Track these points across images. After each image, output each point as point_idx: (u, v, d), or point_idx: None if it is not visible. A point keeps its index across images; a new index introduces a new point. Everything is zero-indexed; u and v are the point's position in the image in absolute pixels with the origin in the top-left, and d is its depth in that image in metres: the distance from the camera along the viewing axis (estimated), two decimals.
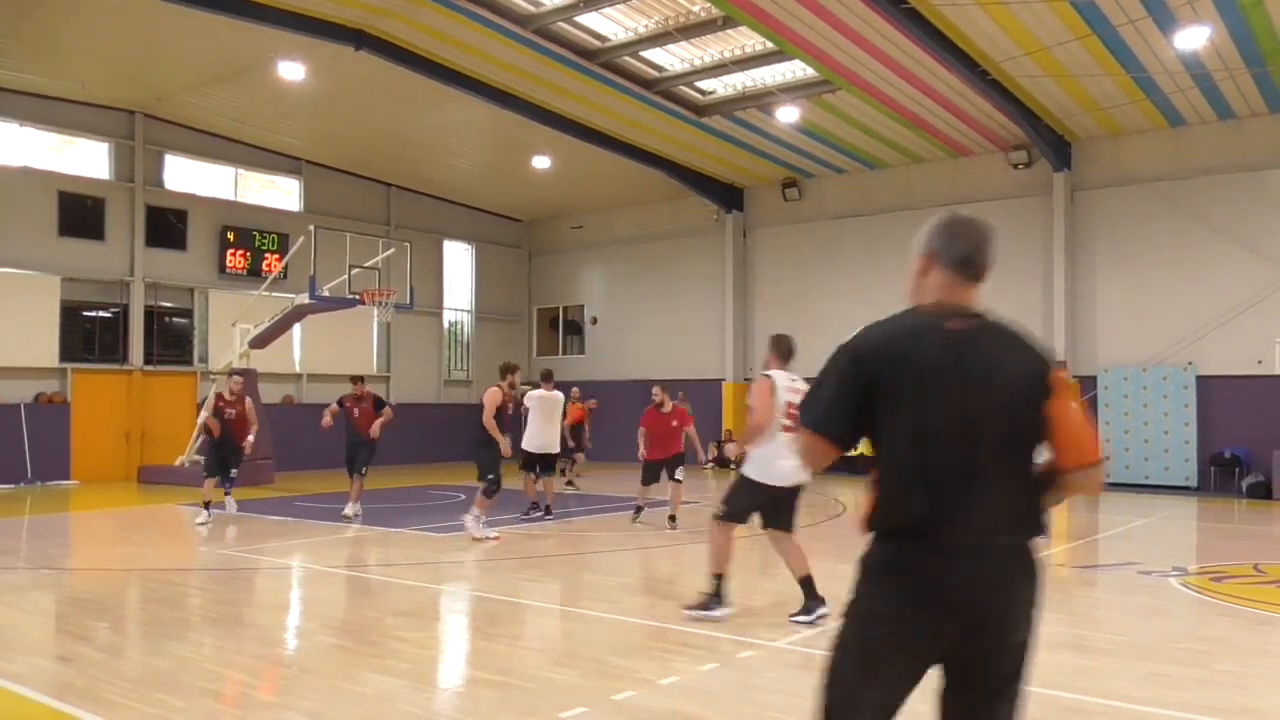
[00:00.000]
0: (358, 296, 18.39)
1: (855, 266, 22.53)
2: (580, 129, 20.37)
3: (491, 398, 11.20)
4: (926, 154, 21.15)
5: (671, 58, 17.77)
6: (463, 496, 15.94)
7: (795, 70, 17.73)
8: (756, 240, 24.41)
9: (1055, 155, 19.48)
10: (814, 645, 6.32)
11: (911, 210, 21.84)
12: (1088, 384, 19.45)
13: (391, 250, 19.58)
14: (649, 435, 12.39)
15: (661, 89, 18.65)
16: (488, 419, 10.95)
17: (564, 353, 28.11)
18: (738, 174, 23.64)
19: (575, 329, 28.00)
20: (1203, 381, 18.16)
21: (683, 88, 18.84)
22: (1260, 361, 17.76)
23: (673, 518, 11.97)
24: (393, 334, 24.54)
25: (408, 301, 19.94)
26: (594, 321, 27.26)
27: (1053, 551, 11.20)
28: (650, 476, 12.34)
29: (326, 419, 13.17)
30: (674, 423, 12.30)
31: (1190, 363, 18.28)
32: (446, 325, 26.85)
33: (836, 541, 11.24)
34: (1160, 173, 18.93)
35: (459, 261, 27.14)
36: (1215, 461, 17.97)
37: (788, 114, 18.95)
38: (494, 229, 27.76)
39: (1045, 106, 18.06)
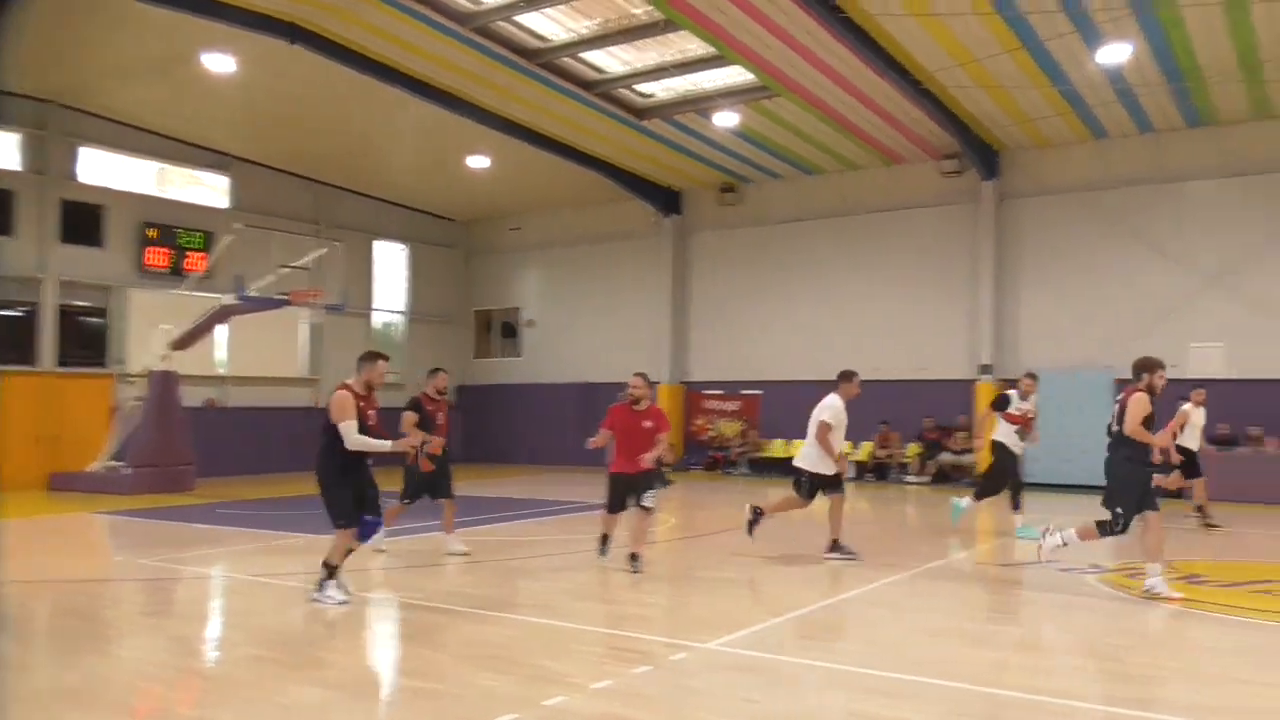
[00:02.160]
0: (286, 297, 18.00)
1: (792, 271, 22.77)
2: (519, 129, 20.23)
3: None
4: (861, 161, 21.48)
5: (612, 60, 17.76)
6: (393, 502, 15.66)
7: (735, 75, 17.85)
8: (695, 244, 24.53)
9: (984, 164, 19.93)
10: (747, 646, 6.35)
11: (847, 216, 22.19)
12: (1011, 388, 19.89)
13: (323, 250, 19.18)
14: (616, 440, 9.36)
15: (601, 91, 18.63)
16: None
17: (500, 356, 27.92)
18: (676, 177, 23.73)
19: (512, 331, 27.82)
20: (1122, 385, 18.66)
21: (623, 90, 18.84)
22: (1175, 365, 18.34)
23: (635, 556, 9.17)
24: (323, 336, 24.07)
25: (339, 302, 19.59)
26: (530, 324, 27.12)
27: (976, 550, 11.45)
28: (617, 501, 9.34)
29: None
30: (647, 424, 9.30)
31: (1109, 366, 18.83)
32: (379, 327, 26.46)
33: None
34: (1084, 183, 19.49)
35: (393, 262, 26.76)
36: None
37: (726, 119, 19.08)
38: (429, 229, 27.44)
39: (975, 116, 18.47)
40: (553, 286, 26.90)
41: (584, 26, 16.44)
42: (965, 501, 12.28)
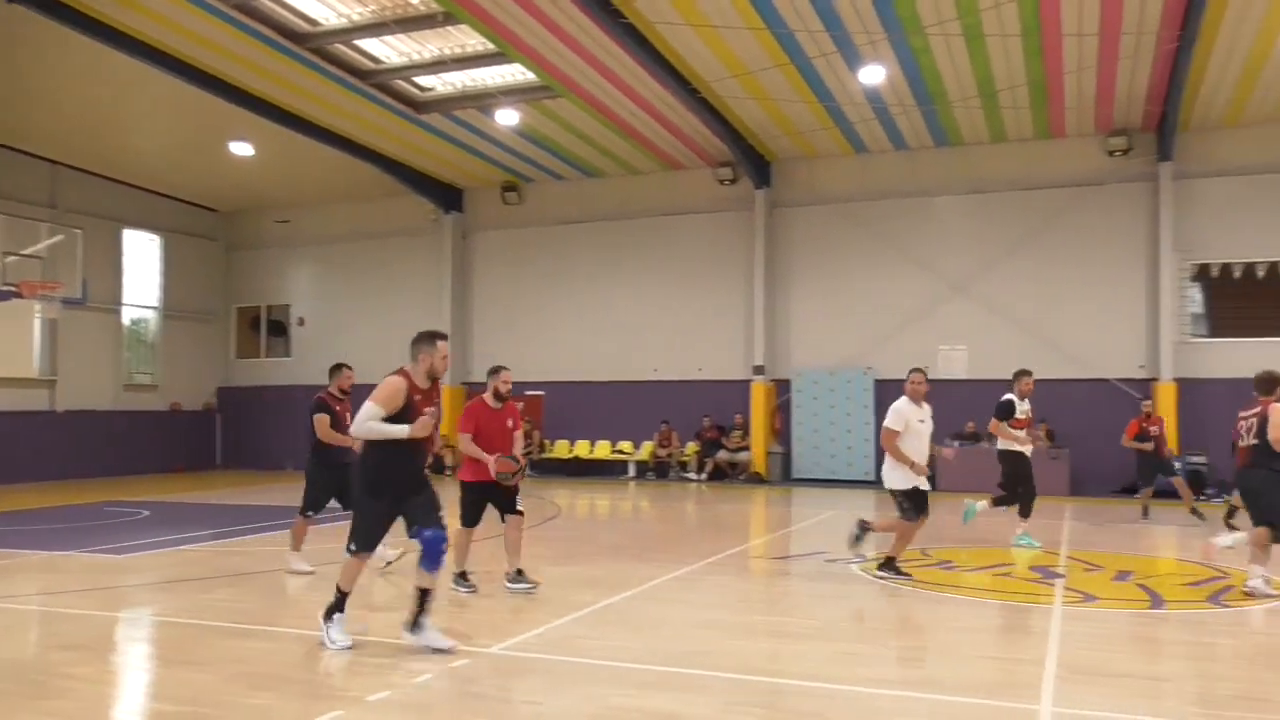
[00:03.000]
0: (14, 289, 16.17)
1: (576, 272, 22.89)
2: (287, 116, 19.12)
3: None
4: (642, 165, 21.89)
5: (388, 50, 17.13)
6: (145, 513, 14.43)
7: (516, 74, 17.69)
8: (477, 243, 24.16)
9: (757, 173, 20.84)
10: (530, 649, 6.25)
11: (628, 220, 22.54)
12: (783, 388, 20.95)
13: (59, 237, 17.36)
14: (477, 442, 8.01)
15: (377, 81, 17.94)
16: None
17: (267, 355, 26.36)
18: (457, 174, 23.27)
19: (280, 330, 26.32)
20: (880, 384, 20.08)
21: (400, 82, 18.23)
22: (926, 366, 19.90)
23: (521, 572, 8.16)
24: (60, 332, 21.73)
25: (79, 296, 17.81)
26: (301, 322, 25.77)
27: (751, 545, 11.89)
28: (474, 514, 8.13)
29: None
30: (508, 422, 8.21)
31: (870, 367, 20.16)
32: (127, 324, 24.30)
33: (555, 544, 11.29)
34: (848, 194, 20.78)
35: (143, 253, 24.63)
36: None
37: (508, 117, 18.89)
38: (185, 218, 25.46)
39: (749, 127, 19.26)
40: (326, 283, 25.70)
41: (358, 13, 15.76)
42: (980, 504, 11.14)
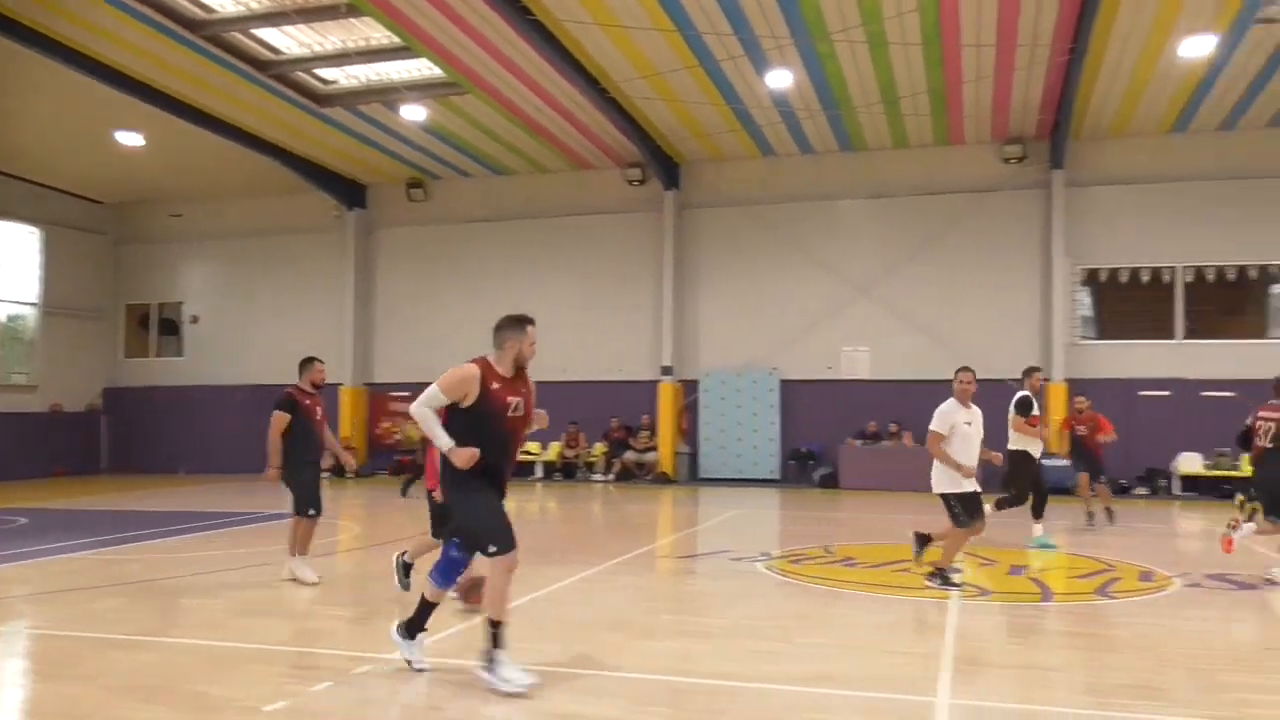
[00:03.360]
0: None
1: (483, 271, 22.62)
2: (179, 106, 18.38)
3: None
4: (551, 164, 21.76)
5: (288, 40, 16.64)
6: (22, 520, 13.69)
7: (422, 69, 17.39)
8: (381, 240, 23.68)
9: (666, 174, 20.93)
10: (434, 654, 6.12)
11: (537, 219, 22.39)
12: (690, 388, 21.10)
13: None
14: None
15: (277, 73, 17.41)
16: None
17: (157, 355, 25.35)
18: (361, 170, 22.76)
19: (172, 329, 25.33)
20: (785, 385, 20.39)
21: (301, 74, 17.73)
22: (830, 367, 20.33)
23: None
24: None
25: None
26: (194, 320, 24.86)
27: (657, 545, 11.91)
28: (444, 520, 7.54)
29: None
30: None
31: (775, 368, 20.44)
32: (3, 320, 23.06)
33: None
34: (755, 197, 21.03)
35: (21, 247, 23.39)
36: (794, 456, 20.28)
37: (413, 112, 18.55)
38: (69, 211, 24.31)
39: (658, 128, 19.32)
40: (222, 281, 24.85)
41: (256, 1, 15.28)
42: (986, 509, 11.08)
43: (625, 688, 5.37)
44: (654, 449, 21.00)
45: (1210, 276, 18.79)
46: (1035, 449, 11.01)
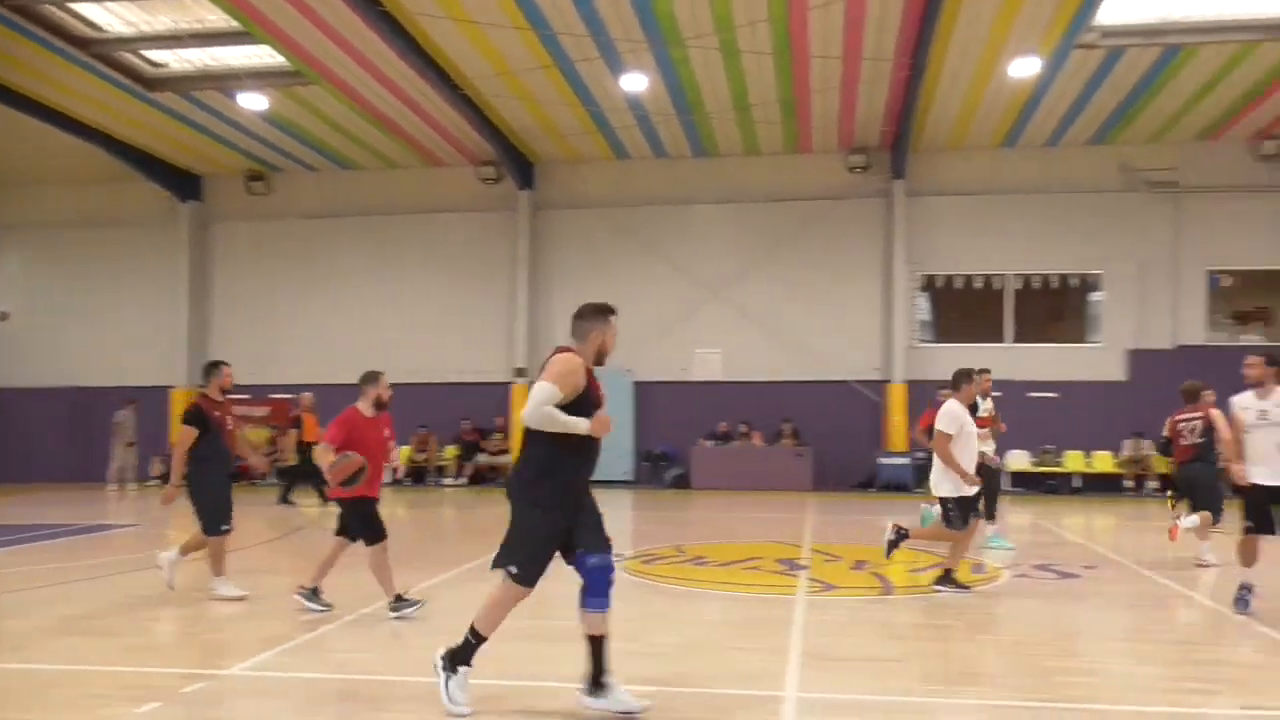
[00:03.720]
0: None
1: (329, 268, 21.87)
2: None
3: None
4: (400, 159, 21.18)
5: (111, 17, 15.55)
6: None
7: (264, 56, 16.59)
8: (219, 234, 22.52)
9: (520, 174, 20.71)
10: (271, 668, 5.80)
11: (386, 215, 21.76)
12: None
13: None
14: (359, 454, 7.11)
15: (98, 52, 16.25)
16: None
17: None
18: (195, 160, 21.56)
19: None
20: (640, 386, 20.51)
21: (127, 54, 16.62)
22: (684, 369, 20.58)
23: (401, 599, 7.34)
24: None
25: None
26: (5, 317, 22.95)
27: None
28: (377, 529, 7.42)
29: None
30: (385, 433, 7.65)
31: (630, 370, 20.52)
32: None
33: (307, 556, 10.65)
34: (611, 199, 21.07)
35: None
36: (647, 457, 20.43)
37: (254, 101, 17.69)
38: None
39: (512, 127, 19.09)
40: (38, 274, 23.10)
41: None
42: (936, 509, 10.38)
43: (473, 694, 5.22)
44: (507, 452, 20.72)
45: (1037, 284, 20.00)
46: (989, 447, 10.78)
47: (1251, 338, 19.36)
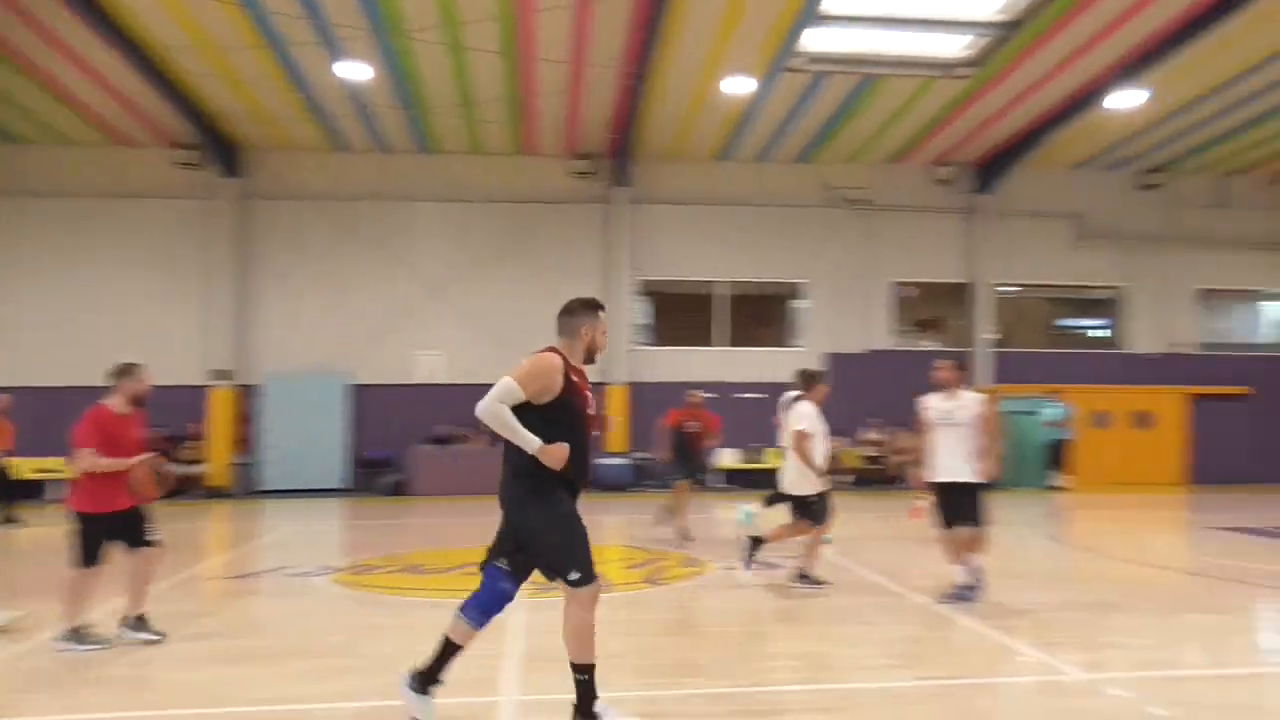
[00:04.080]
0: None
1: (9, 255, 19.17)
2: None
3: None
4: (79, 136, 18.92)
5: None
6: None
7: None
8: None
9: (224, 160, 19.16)
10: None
11: (60, 198, 19.40)
12: (253, 392, 19.47)
13: None
14: (109, 459, 6.56)
15: None
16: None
17: None
18: None
19: None
20: (358, 390, 19.59)
21: None
22: (405, 371, 19.88)
23: (142, 618, 6.68)
24: None
25: None
26: None
27: (204, 565, 10.72)
28: (95, 552, 6.56)
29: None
30: (136, 431, 6.91)
31: (346, 371, 19.55)
32: None
33: None
34: (328, 191, 19.97)
35: None
36: (362, 463, 19.54)
37: None
38: None
39: (213, 108, 17.59)
40: None
41: None
42: (753, 507, 10.85)
43: None
44: (201, 461, 19.07)
45: (748, 291, 21.18)
46: None
47: (928, 344, 21.57)
